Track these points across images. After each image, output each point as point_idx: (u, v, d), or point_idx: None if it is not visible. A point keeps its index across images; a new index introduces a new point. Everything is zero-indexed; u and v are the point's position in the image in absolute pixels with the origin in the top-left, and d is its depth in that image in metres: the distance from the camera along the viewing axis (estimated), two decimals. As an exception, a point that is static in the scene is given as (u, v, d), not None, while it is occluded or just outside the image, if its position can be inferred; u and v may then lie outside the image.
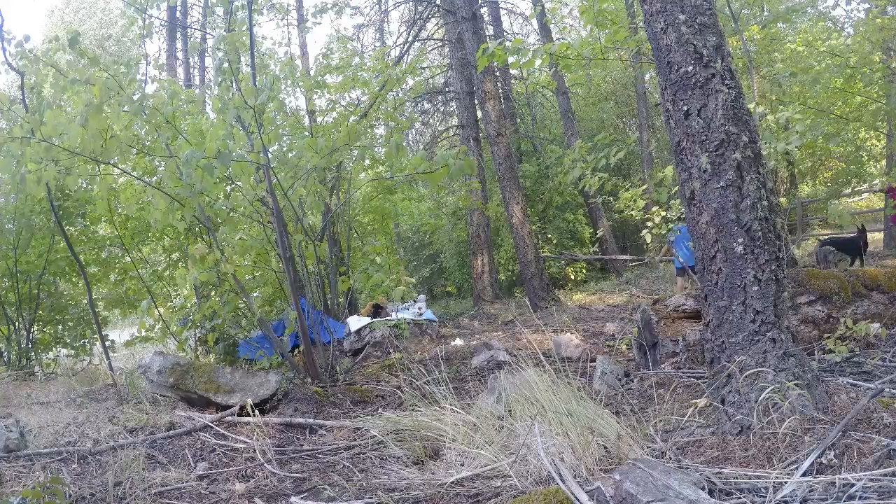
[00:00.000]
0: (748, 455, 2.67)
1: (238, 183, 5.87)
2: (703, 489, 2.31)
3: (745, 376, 2.98)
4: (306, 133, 7.24)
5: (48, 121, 4.12)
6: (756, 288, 3.04)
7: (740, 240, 3.08)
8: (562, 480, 2.54)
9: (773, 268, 3.06)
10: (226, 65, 5.09)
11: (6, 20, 5.27)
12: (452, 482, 3.01)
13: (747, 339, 3.04)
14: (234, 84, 5.31)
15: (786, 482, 2.36)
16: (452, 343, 8.20)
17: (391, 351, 6.99)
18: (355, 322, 8.50)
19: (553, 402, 3.31)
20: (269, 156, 5.61)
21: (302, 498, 3.10)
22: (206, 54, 16.20)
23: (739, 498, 2.34)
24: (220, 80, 5.28)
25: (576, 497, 2.37)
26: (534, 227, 14.04)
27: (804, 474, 2.40)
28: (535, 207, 15.77)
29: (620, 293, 12.21)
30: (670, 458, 2.80)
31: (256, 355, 6.42)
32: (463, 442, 3.38)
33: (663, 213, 6.59)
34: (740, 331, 3.06)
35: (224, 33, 5.22)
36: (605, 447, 2.92)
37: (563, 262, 15.85)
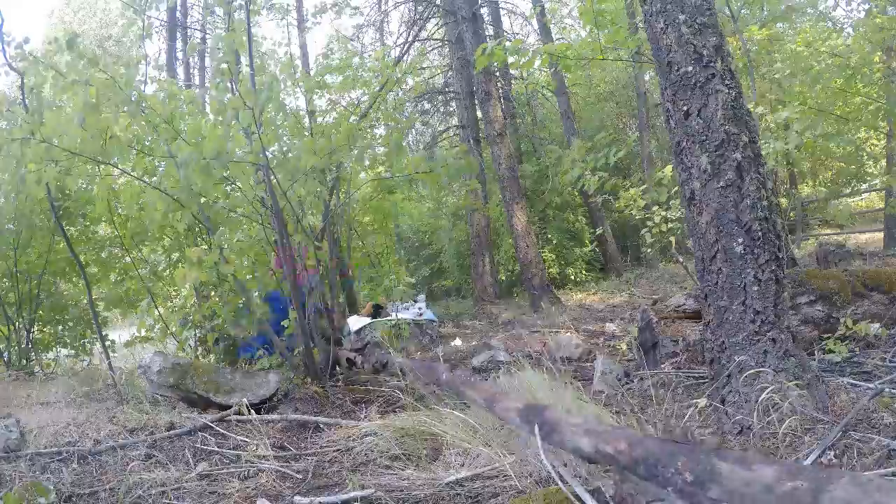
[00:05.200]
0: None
1: (237, 184, 5.87)
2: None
3: (745, 376, 2.99)
4: (306, 133, 7.24)
5: (48, 121, 4.12)
6: (756, 288, 3.04)
7: (740, 240, 3.08)
8: (562, 481, 2.54)
9: (773, 268, 3.06)
10: (223, 66, 5.08)
11: (6, 21, 5.26)
12: (452, 482, 3.01)
13: (747, 339, 3.04)
14: (233, 85, 5.31)
15: (786, 482, 2.35)
16: (452, 343, 8.21)
17: (391, 351, 6.99)
18: (355, 322, 8.50)
19: (553, 402, 3.31)
20: (269, 156, 5.61)
21: (303, 497, 3.10)
22: (206, 54, 16.21)
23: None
24: (217, 81, 5.28)
25: (577, 497, 2.37)
26: (534, 227, 14.04)
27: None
28: (535, 207, 15.76)
29: (621, 293, 12.22)
30: (670, 458, 2.80)
31: (256, 355, 6.42)
32: (463, 442, 3.38)
33: (663, 213, 6.58)
34: (740, 331, 3.07)
35: (222, 34, 5.21)
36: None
37: (563, 262, 15.85)
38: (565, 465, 2.70)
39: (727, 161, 3.14)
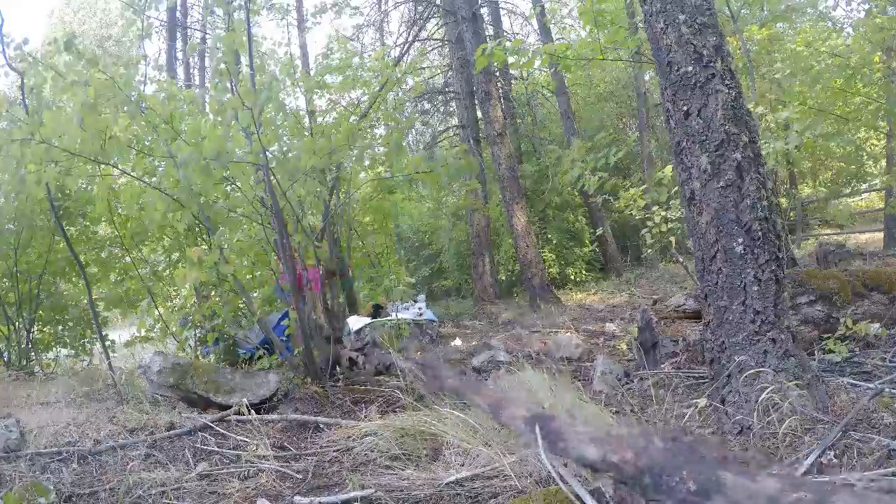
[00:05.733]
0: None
1: (237, 183, 5.87)
2: (702, 489, 2.30)
3: (745, 376, 2.99)
4: (306, 133, 7.25)
5: (47, 122, 4.12)
6: (756, 288, 3.04)
7: (740, 240, 3.08)
8: (562, 481, 2.54)
9: (773, 268, 3.06)
10: (222, 66, 5.08)
11: (6, 21, 5.25)
12: (452, 482, 3.01)
13: (747, 339, 3.04)
14: (232, 85, 5.31)
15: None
16: (452, 343, 8.20)
17: (391, 351, 6.99)
18: (355, 322, 8.50)
19: (553, 402, 3.31)
20: (269, 156, 5.61)
21: (303, 497, 3.10)
22: (206, 54, 16.21)
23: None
24: (216, 81, 5.28)
25: (577, 497, 2.37)
26: (534, 227, 14.03)
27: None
28: (535, 207, 15.76)
29: (620, 293, 12.22)
30: (670, 458, 2.80)
31: (256, 355, 6.42)
32: (463, 442, 3.38)
33: (663, 213, 6.57)
34: (740, 331, 3.07)
35: (222, 34, 5.22)
36: (606, 447, 2.91)
37: (562, 262, 15.86)
38: (565, 465, 2.70)
39: (727, 161, 3.14)
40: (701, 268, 3.30)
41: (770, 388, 2.86)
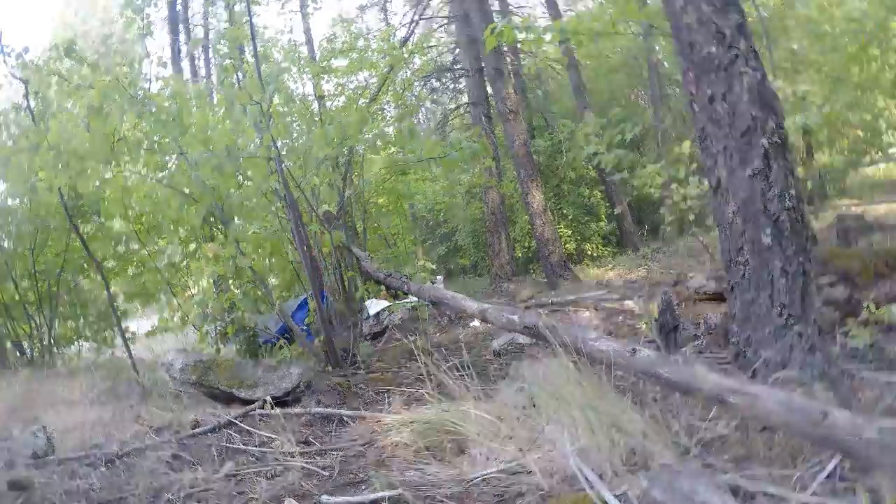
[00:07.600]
0: (772, 453, 2.64)
1: (248, 173, 5.85)
2: (727, 493, 2.29)
3: (770, 372, 2.93)
4: (316, 119, 7.19)
5: (53, 128, 4.10)
6: (784, 281, 2.97)
7: (768, 231, 2.99)
8: (589, 485, 2.52)
9: (801, 259, 2.98)
10: (227, 61, 5.03)
11: (4, 33, 5.19)
12: (478, 479, 3.01)
13: (773, 333, 2.98)
14: (238, 80, 5.26)
15: (810, 483, 2.33)
16: (471, 324, 8.15)
17: (410, 334, 6.99)
18: (374, 305, 8.48)
19: (575, 394, 3.26)
20: (280, 147, 5.58)
21: (330, 496, 3.11)
22: (210, 46, 16.08)
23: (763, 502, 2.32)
24: (223, 78, 5.23)
25: (604, 502, 2.35)
26: (549, 203, 13.89)
27: (829, 475, 2.37)
28: (549, 183, 15.59)
29: (638, 269, 12.11)
30: (695, 456, 2.77)
31: (277, 345, 6.44)
32: (487, 437, 3.36)
33: (682, 191, 6.47)
34: (766, 325, 3.00)
35: (224, 29, 5.17)
36: (630, 445, 2.89)
37: (579, 237, 15.72)
38: (591, 469, 2.68)
39: (754, 148, 3.03)
40: (727, 259, 3.22)
41: (795, 385, 2.81)
